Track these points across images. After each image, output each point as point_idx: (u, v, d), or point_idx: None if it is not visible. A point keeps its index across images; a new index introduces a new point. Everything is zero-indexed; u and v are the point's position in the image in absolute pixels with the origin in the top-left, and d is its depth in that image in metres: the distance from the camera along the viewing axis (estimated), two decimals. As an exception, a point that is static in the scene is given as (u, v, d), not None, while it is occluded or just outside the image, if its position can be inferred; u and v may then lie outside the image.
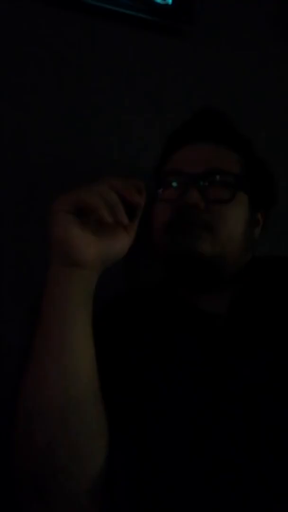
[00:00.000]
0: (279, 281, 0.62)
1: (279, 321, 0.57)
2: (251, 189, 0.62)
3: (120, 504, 0.50)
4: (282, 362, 0.53)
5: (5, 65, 0.76)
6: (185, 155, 0.62)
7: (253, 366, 0.53)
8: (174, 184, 0.61)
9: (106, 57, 0.83)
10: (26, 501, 0.46)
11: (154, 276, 0.70)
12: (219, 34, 0.92)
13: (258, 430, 0.50)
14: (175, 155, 0.64)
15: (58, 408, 0.44)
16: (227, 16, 0.93)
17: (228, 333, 0.57)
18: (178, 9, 0.85)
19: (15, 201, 0.74)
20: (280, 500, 0.47)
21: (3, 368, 0.69)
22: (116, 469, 0.49)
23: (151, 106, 0.85)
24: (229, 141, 0.63)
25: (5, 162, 0.75)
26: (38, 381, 0.45)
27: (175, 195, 0.60)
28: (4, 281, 0.72)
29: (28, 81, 0.77)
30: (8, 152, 0.75)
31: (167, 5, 0.84)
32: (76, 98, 0.80)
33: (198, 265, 0.57)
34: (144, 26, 0.85)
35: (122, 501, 0.51)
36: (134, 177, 0.70)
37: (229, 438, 0.50)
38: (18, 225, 0.74)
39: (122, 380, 0.54)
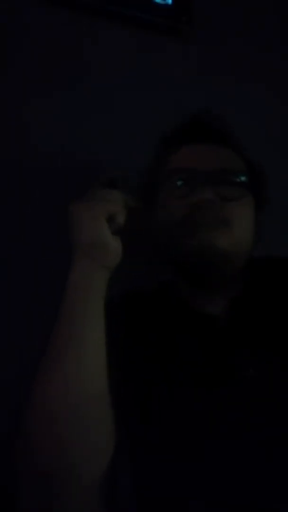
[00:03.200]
0: (278, 282, 0.62)
1: (279, 322, 0.57)
2: (254, 190, 0.63)
3: (122, 502, 0.51)
4: (282, 363, 0.53)
5: (5, 65, 0.76)
6: (194, 153, 0.63)
7: (254, 366, 0.53)
8: (179, 183, 0.60)
9: (106, 56, 0.83)
10: (28, 501, 0.46)
11: (154, 277, 0.70)
12: (218, 34, 0.92)
13: (259, 430, 0.50)
14: (180, 154, 0.63)
15: (75, 405, 0.44)
16: (226, 16, 0.93)
17: (228, 334, 0.57)
18: (177, 9, 0.85)
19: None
20: (281, 500, 0.47)
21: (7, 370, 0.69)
22: (118, 467, 0.49)
23: (151, 106, 0.85)
24: (232, 144, 0.64)
25: (5, 162, 0.75)
26: (55, 376, 0.46)
27: (183, 193, 0.59)
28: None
29: (28, 80, 0.78)
30: (8, 152, 0.75)
31: (167, 5, 0.84)
32: (76, 97, 0.80)
33: (215, 260, 0.57)
34: (143, 26, 0.85)
35: (124, 499, 0.51)
36: (133, 177, 0.70)
37: (230, 438, 0.50)
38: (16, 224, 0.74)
39: (123, 379, 0.54)
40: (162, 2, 0.84)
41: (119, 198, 0.54)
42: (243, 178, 0.61)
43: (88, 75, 0.81)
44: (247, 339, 0.56)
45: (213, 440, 0.50)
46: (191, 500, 0.49)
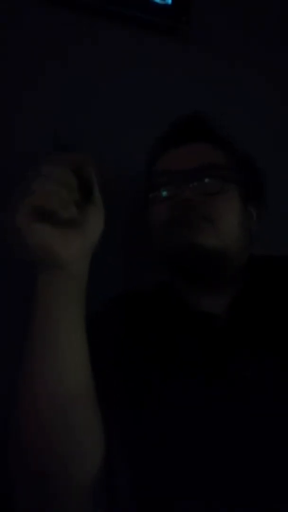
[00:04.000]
0: (279, 281, 0.62)
1: (280, 322, 0.57)
2: (239, 181, 0.63)
3: (121, 502, 0.50)
4: (282, 362, 0.53)
5: (4, 64, 0.76)
6: (173, 156, 0.64)
7: (253, 366, 0.53)
8: (165, 184, 0.62)
9: (106, 56, 0.83)
10: (23, 502, 0.46)
11: (153, 277, 0.70)
12: (218, 34, 0.92)
13: (259, 430, 0.50)
14: (163, 158, 0.66)
15: (55, 403, 0.43)
16: (226, 16, 0.93)
17: (228, 334, 0.57)
18: (177, 9, 0.85)
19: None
20: (281, 500, 0.47)
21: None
22: (117, 467, 0.49)
23: (151, 105, 0.85)
24: (212, 139, 0.65)
25: (5, 162, 0.75)
26: (34, 377, 0.44)
27: (170, 194, 0.61)
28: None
29: (28, 80, 0.78)
30: (8, 151, 0.75)
31: (166, 5, 0.84)
32: (76, 97, 0.80)
33: (201, 258, 0.57)
34: (143, 26, 0.85)
35: (123, 499, 0.51)
36: (132, 177, 0.70)
37: (229, 438, 0.50)
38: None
39: (123, 379, 0.54)
40: (162, 2, 0.84)
41: (53, 173, 0.40)
42: (223, 171, 0.61)
43: (88, 75, 0.81)
44: (247, 339, 0.56)
45: (213, 439, 0.50)
46: (191, 500, 0.49)
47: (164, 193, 0.62)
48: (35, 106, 0.77)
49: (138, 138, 0.83)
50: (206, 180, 0.60)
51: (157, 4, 0.84)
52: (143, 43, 0.86)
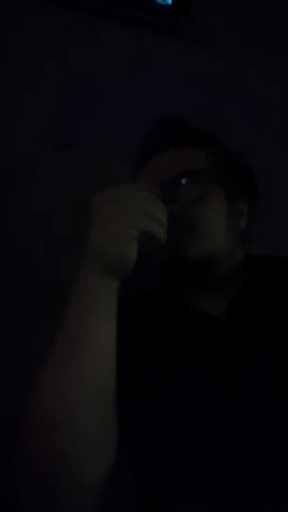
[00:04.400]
0: (279, 281, 0.62)
1: (279, 322, 0.57)
2: (224, 181, 0.62)
3: (122, 502, 0.50)
4: (282, 363, 0.53)
5: (4, 64, 0.76)
6: (151, 166, 0.63)
7: (253, 366, 0.53)
8: None
9: (106, 56, 0.83)
10: (27, 502, 0.46)
11: (154, 277, 0.70)
12: (218, 34, 0.92)
13: (258, 430, 0.50)
14: (144, 168, 0.65)
15: (76, 413, 0.44)
16: (226, 16, 0.93)
17: (228, 334, 0.57)
18: (177, 9, 0.85)
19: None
20: (281, 500, 0.48)
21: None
22: (119, 467, 0.49)
23: (151, 105, 0.84)
24: (191, 141, 0.64)
25: (5, 162, 0.75)
26: (58, 380, 0.45)
27: None
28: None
29: (28, 80, 0.78)
30: (8, 151, 0.75)
31: (166, 5, 0.84)
32: (76, 97, 0.80)
33: (188, 268, 0.58)
34: (143, 26, 0.85)
35: (125, 499, 0.51)
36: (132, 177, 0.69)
37: (229, 439, 0.50)
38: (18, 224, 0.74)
39: (123, 378, 0.54)
40: (162, 2, 0.84)
41: (162, 212, 0.49)
42: (202, 174, 0.59)
43: (88, 75, 0.81)
44: (247, 339, 0.56)
45: (213, 439, 0.50)
46: (191, 500, 0.49)
47: None
48: (35, 106, 0.77)
49: (138, 138, 0.83)
50: (186, 187, 0.58)
51: (157, 4, 0.84)
52: (143, 43, 0.86)
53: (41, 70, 0.78)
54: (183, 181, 0.58)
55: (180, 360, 0.55)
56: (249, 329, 0.57)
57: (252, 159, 0.75)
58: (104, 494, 0.46)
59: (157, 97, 0.86)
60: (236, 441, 0.50)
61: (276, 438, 0.50)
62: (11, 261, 0.73)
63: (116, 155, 0.77)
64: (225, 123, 0.86)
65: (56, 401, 0.44)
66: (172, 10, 0.85)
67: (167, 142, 0.63)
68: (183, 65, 0.89)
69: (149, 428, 0.52)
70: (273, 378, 0.53)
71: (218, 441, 0.50)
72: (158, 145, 0.64)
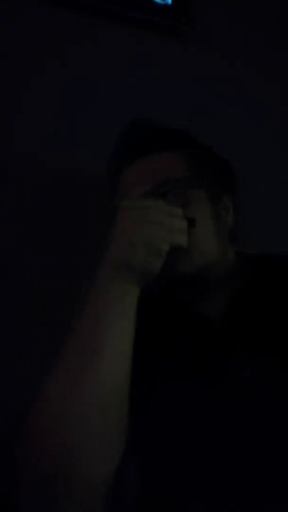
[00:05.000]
0: (277, 281, 0.62)
1: (278, 322, 0.57)
2: (205, 180, 0.60)
3: (126, 502, 0.50)
4: (281, 363, 0.53)
5: (4, 64, 0.76)
6: (126, 179, 0.61)
7: (253, 366, 0.53)
8: None
9: (106, 56, 0.83)
10: (29, 502, 0.46)
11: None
12: (218, 34, 0.92)
13: (258, 430, 0.50)
14: (120, 178, 0.62)
15: (89, 416, 0.43)
16: (226, 16, 0.93)
17: (227, 335, 0.57)
18: (177, 9, 0.85)
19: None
20: (280, 500, 0.48)
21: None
22: (123, 468, 0.49)
23: (151, 105, 0.85)
24: (166, 145, 0.62)
25: (4, 161, 0.75)
26: (71, 381, 0.44)
27: None
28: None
29: (28, 80, 0.78)
30: (7, 151, 0.75)
31: (166, 5, 0.84)
32: (76, 97, 0.80)
33: (178, 279, 0.57)
34: (143, 26, 0.85)
35: (128, 499, 0.51)
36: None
37: (229, 440, 0.50)
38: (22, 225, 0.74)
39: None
40: (162, 2, 0.84)
41: (184, 229, 0.51)
42: (181, 181, 0.58)
43: (88, 75, 0.81)
44: (245, 340, 0.56)
45: (213, 439, 0.50)
46: (192, 500, 0.49)
47: None
48: (35, 106, 0.77)
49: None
50: (166, 197, 0.56)
51: (157, 4, 0.84)
52: (143, 43, 0.86)
53: (41, 70, 0.78)
54: (163, 188, 0.57)
55: (180, 362, 0.55)
56: (248, 329, 0.57)
57: (252, 159, 0.76)
58: (105, 495, 0.46)
59: (157, 97, 0.86)
60: (237, 441, 0.50)
61: (276, 438, 0.50)
62: (11, 261, 0.73)
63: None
64: (225, 123, 0.87)
65: (72, 407, 0.43)
66: (172, 10, 0.85)
67: (141, 148, 0.61)
68: (183, 65, 0.89)
69: (151, 429, 0.52)
70: (273, 378, 0.53)
71: (218, 441, 0.50)
72: (132, 151, 0.61)
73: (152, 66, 0.86)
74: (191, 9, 0.86)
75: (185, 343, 0.57)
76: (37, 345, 0.64)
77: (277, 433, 0.50)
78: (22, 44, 0.78)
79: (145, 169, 0.60)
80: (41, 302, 0.72)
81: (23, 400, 0.46)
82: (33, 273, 0.73)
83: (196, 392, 0.53)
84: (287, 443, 0.50)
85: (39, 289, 0.73)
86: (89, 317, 0.47)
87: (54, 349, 0.46)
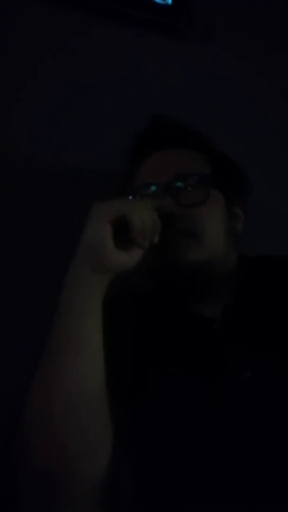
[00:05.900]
0: (275, 282, 0.62)
1: (277, 323, 0.57)
2: (223, 185, 0.61)
3: (122, 502, 0.51)
4: (280, 364, 0.53)
5: (4, 64, 0.76)
6: (150, 166, 0.62)
7: (251, 368, 0.53)
8: (145, 197, 0.59)
9: (106, 55, 0.83)
10: (27, 501, 0.46)
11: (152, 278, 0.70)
12: (218, 34, 0.92)
13: (257, 431, 0.50)
14: (139, 168, 0.63)
15: (72, 402, 0.45)
16: (226, 15, 0.93)
17: (225, 336, 0.57)
18: (177, 8, 0.85)
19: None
20: (280, 497, 0.48)
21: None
22: (119, 467, 0.50)
23: (151, 106, 0.85)
24: (190, 143, 0.63)
25: (5, 162, 0.75)
26: (54, 377, 0.46)
27: None
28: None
29: (27, 80, 0.78)
30: (8, 151, 0.75)
31: (166, 4, 0.84)
32: (76, 97, 0.80)
33: (185, 274, 0.57)
34: (143, 26, 0.85)
35: (125, 498, 0.51)
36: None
37: (228, 440, 0.50)
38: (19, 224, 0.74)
39: (125, 380, 0.54)
40: (162, 2, 0.84)
41: (145, 205, 0.51)
42: (204, 178, 0.59)
43: (88, 75, 0.81)
44: (244, 341, 0.56)
45: (213, 439, 0.50)
46: (192, 500, 0.49)
47: None
48: (35, 106, 0.77)
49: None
50: (187, 190, 0.57)
51: (157, 3, 0.84)
52: (142, 42, 0.86)
53: (40, 70, 0.78)
54: (179, 184, 0.57)
55: (180, 362, 0.55)
56: (246, 330, 0.57)
57: (252, 159, 0.75)
58: (103, 496, 0.46)
59: (157, 96, 0.86)
60: (237, 441, 0.50)
61: (276, 438, 0.50)
62: (11, 261, 0.73)
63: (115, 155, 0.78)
64: (225, 123, 0.87)
65: (52, 399, 0.45)
66: (172, 9, 0.85)
67: (165, 142, 0.62)
68: (182, 64, 0.89)
69: (150, 429, 0.52)
70: (273, 378, 0.53)
71: (218, 441, 0.50)
72: (155, 143, 0.63)
73: (152, 65, 0.86)
74: (191, 9, 0.86)
75: (185, 344, 0.57)
76: (37, 345, 0.64)
77: (277, 433, 0.50)
78: (22, 44, 0.78)
79: (168, 160, 0.61)
80: (41, 302, 0.72)
81: (23, 399, 0.47)
82: (33, 273, 0.73)
83: (196, 392, 0.53)
84: (287, 443, 0.50)
85: (39, 289, 0.73)
86: (62, 305, 0.48)
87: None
